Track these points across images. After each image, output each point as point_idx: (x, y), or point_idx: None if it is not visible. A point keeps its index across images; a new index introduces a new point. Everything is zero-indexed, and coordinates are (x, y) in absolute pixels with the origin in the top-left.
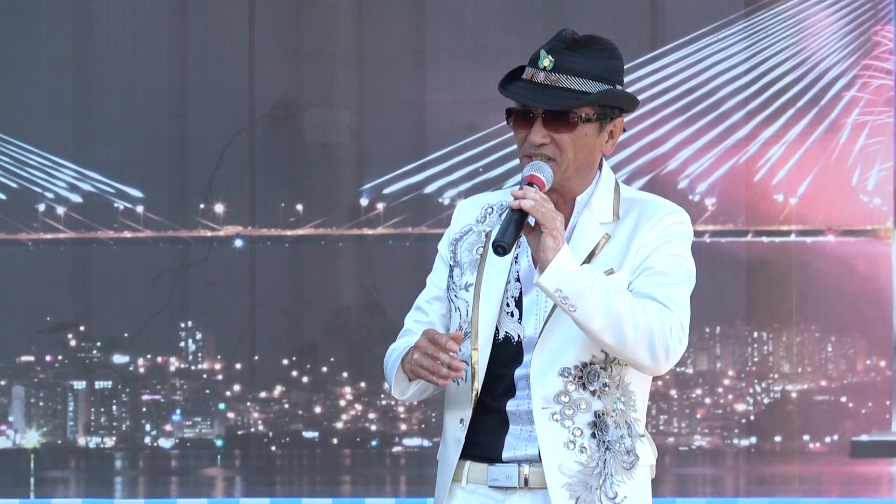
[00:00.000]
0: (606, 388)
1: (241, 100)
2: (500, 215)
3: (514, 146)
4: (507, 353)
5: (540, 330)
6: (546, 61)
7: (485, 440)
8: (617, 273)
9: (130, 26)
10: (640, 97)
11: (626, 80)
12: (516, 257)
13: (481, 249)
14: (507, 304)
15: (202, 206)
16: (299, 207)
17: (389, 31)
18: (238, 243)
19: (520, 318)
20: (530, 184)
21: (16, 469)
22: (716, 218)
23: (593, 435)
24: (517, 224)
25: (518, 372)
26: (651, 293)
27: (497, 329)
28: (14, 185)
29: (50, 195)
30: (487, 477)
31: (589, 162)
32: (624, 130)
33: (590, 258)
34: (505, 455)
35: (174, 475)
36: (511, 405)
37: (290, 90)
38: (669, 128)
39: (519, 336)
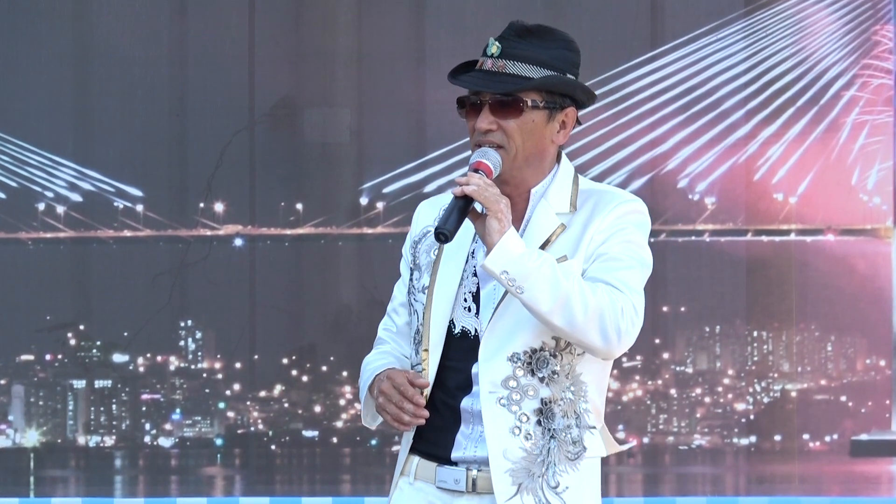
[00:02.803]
0: (556, 376)
1: (241, 99)
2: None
3: None
4: (463, 348)
5: (491, 315)
6: (493, 48)
7: (434, 436)
8: (570, 260)
9: (130, 26)
10: (639, 97)
11: (625, 79)
12: (472, 252)
13: (436, 251)
14: (465, 300)
15: (202, 205)
16: (299, 207)
17: (389, 31)
18: (238, 242)
19: (477, 313)
20: (476, 171)
21: (15, 468)
22: (715, 217)
23: (539, 422)
24: (460, 211)
25: (475, 368)
26: (603, 277)
27: (453, 324)
28: (14, 184)
29: (50, 194)
30: (435, 477)
31: (539, 151)
32: (579, 123)
33: (544, 247)
34: (454, 455)
35: (174, 474)
36: (466, 402)
37: (290, 90)
38: (669, 127)
39: (476, 330)
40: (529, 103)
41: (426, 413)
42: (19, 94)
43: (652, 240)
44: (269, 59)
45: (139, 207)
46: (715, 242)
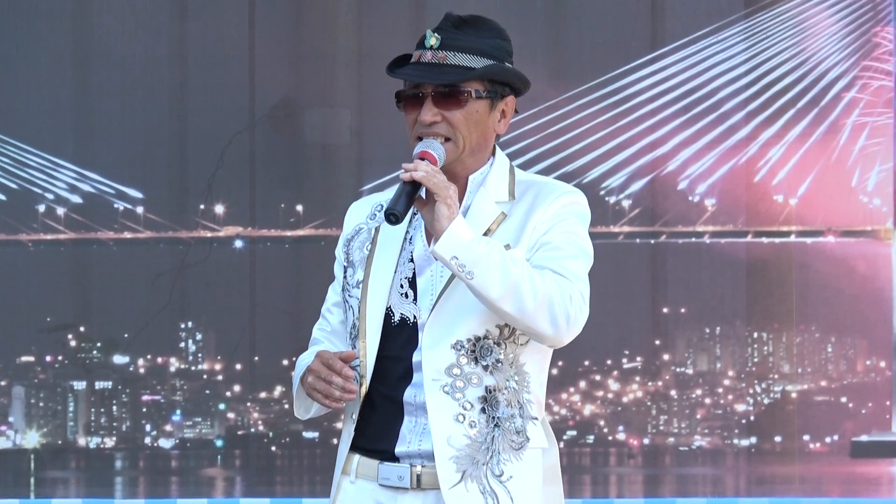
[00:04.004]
0: (499, 365)
1: (241, 100)
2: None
3: (514, 147)
4: (402, 337)
5: (434, 303)
6: (433, 40)
7: (376, 431)
8: (514, 249)
9: (130, 26)
10: (640, 98)
11: (625, 81)
12: (410, 239)
13: (369, 246)
14: (401, 286)
15: (202, 206)
16: (299, 208)
17: (389, 31)
18: (238, 244)
19: (415, 299)
20: (422, 160)
21: (16, 469)
22: (716, 219)
23: (483, 410)
24: (409, 195)
25: (416, 356)
26: (548, 265)
27: (392, 312)
28: (14, 185)
29: (50, 196)
30: (378, 475)
31: (483, 141)
32: (516, 112)
33: (485, 235)
34: (398, 449)
35: (174, 475)
36: (409, 394)
37: (290, 90)
38: (669, 129)
39: (414, 317)
40: (473, 93)
41: (355, 387)
42: (19, 95)
43: (652, 241)
44: (269, 59)
45: (139, 209)
46: (715, 244)
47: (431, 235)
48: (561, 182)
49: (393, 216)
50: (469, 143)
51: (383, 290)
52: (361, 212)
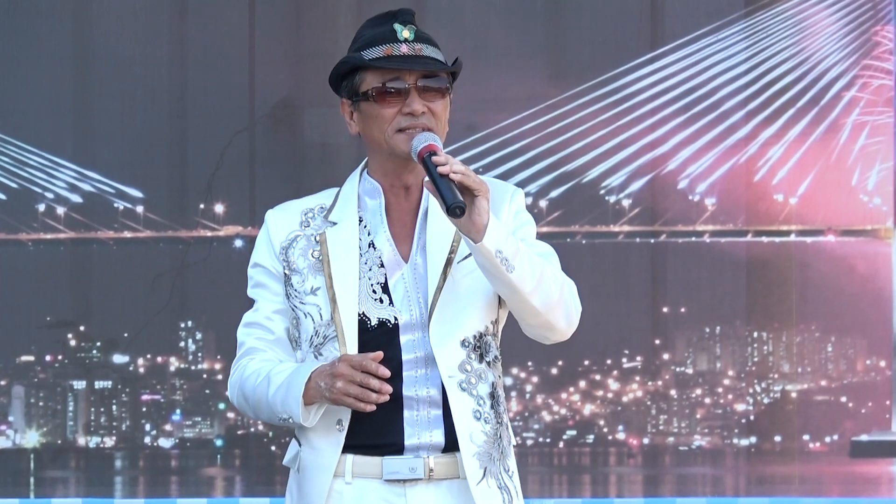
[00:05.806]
0: (496, 362)
1: (241, 100)
2: (325, 217)
3: (515, 146)
4: (381, 339)
5: (431, 303)
6: (406, 32)
7: (374, 428)
8: None
9: (130, 26)
10: (640, 98)
11: (625, 80)
12: (371, 244)
13: (317, 252)
14: (374, 291)
15: (202, 206)
16: None
17: None
18: (238, 243)
19: (391, 303)
20: (432, 153)
21: (15, 469)
22: (715, 218)
23: (492, 406)
24: (454, 188)
25: (406, 355)
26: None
27: (366, 317)
28: (14, 185)
29: (50, 195)
30: (382, 471)
31: (445, 135)
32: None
33: (458, 235)
34: (408, 442)
35: (174, 475)
36: (408, 390)
37: (290, 91)
38: (669, 128)
39: (395, 319)
40: (449, 86)
41: (389, 388)
42: (19, 94)
43: (652, 240)
44: (270, 59)
45: (139, 208)
46: (715, 243)
47: (398, 239)
48: (497, 179)
49: (459, 209)
50: (442, 135)
51: (352, 295)
52: (289, 219)
